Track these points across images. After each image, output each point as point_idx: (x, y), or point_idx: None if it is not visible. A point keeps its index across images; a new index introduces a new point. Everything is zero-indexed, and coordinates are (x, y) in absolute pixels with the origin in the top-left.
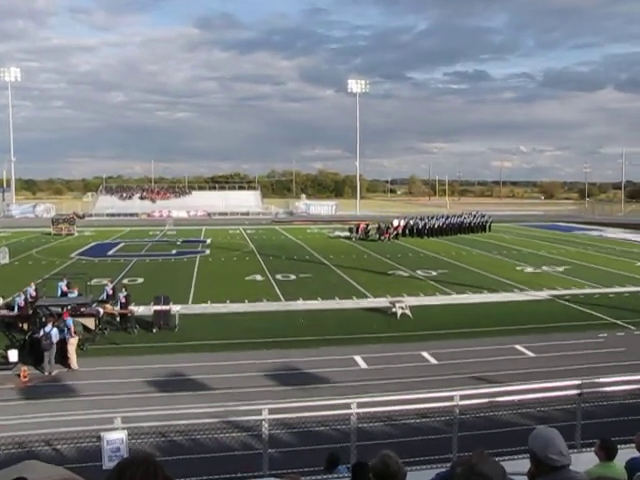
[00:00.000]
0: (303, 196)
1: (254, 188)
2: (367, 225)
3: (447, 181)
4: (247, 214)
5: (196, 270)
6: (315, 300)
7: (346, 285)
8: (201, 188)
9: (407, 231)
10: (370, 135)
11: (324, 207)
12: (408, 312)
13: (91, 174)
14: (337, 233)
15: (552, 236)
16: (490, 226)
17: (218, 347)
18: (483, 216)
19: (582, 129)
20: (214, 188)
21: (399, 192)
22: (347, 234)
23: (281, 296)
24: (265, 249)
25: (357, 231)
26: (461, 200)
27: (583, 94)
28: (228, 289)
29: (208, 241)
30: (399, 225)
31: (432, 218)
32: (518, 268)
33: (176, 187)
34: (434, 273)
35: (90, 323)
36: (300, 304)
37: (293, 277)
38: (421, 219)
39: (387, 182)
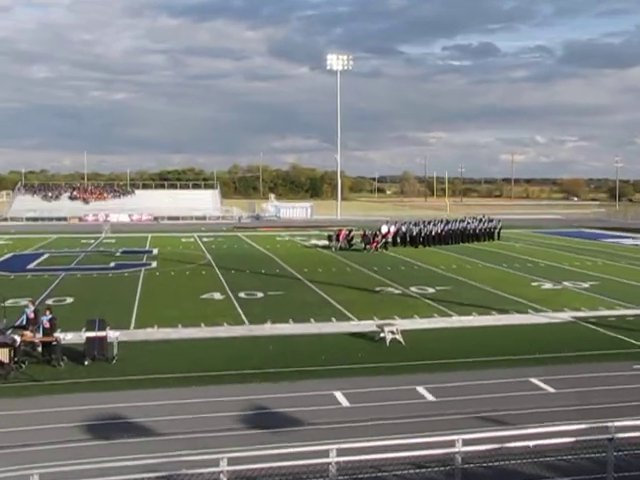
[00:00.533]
0: (272, 196)
1: (212, 187)
2: (350, 232)
3: (447, 178)
4: (203, 218)
5: (140, 287)
6: (286, 323)
7: (324, 305)
8: (146, 186)
9: (399, 239)
10: (354, 122)
11: (297, 210)
12: (400, 338)
13: (6, 168)
14: (313, 242)
15: (575, 245)
16: (499, 233)
17: (167, 382)
18: (491, 221)
19: (612, 114)
20: (162, 186)
21: (389, 192)
22: (325, 243)
23: (245, 318)
24: (226, 261)
25: (338, 239)
26: (464, 201)
27: (613, 71)
28: (180, 310)
29: (155, 251)
30: (389, 232)
31: (429, 223)
32: (534, 284)
33: (115, 185)
34: (431, 290)
35: (3, 355)
36: (268, 328)
37: (260, 295)
38: (416, 224)
39: (374, 180)
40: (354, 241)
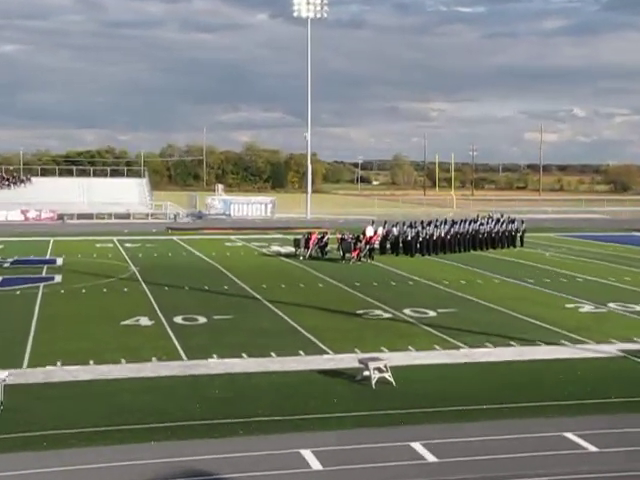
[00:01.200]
0: (220, 188)
1: (138, 174)
2: (324, 236)
3: (454, 165)
4: (127, 217)
5: (37, 310)
6: (238, 358)
7: (289, 333)
8: (47, 173)
9: (389, 245)
10: (330, 89)
11: (254, 206)
12: (389, 377)
13: None
14: (275, 248)
15: (625, 254)
16: (523, 238)
17: (72, 440)
18: (512, 221)
19: None
20: (70, 173)
21: (376, 182)
22: (291, 250)
23: (182, 352)
24: (156, 274)
25: (307, 245)
26: (476, 195)
27: None
28: (92, 342)
29: (59, 261)
30: (376, 235)
31: (429, 225)
32: (569, 306)
33: (3, 171)
34: (432, 313)
35: None
36: (213, 365)
37: (202, 320)
38: (411, 226)
39: (356, 166)
40: (329, 248)
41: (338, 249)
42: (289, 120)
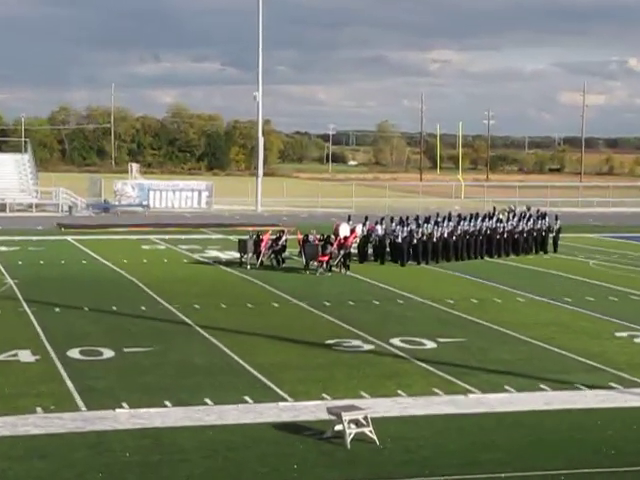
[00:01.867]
0: (135, 168)
1: (18, 148)
2: (279, 236)
3: (461, 138)
4: (1, 209)
5: None
6: (159, 407)
7: (231, 372)
8: None
9: (371, 249)
10: (289, 30)
11: (184, 194)
12: (371, 434)
13: None
14: (213, 253)
15: None
16: (557, 240)
17: None
18: (543, 217)
19: None
20: None
21: (354, 161)
22: (235, 256)
23: (79, 399)
24: (43, 289)
25: (257, 250)
26: (493, 180)
27: None
28: None
29: None
30: (353, 235)
31: (427, 221)
32: (620, 334)
33: None
34: (430, 345)
35: None
36: (124, 417)
37: (109, 354)
38: (402, 223)
39: (327, 139)
40: (287, 253)
41: (300, 255)
42: (231, 74)
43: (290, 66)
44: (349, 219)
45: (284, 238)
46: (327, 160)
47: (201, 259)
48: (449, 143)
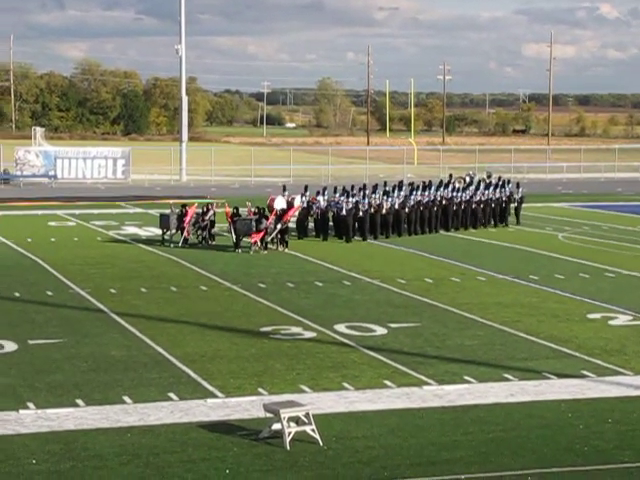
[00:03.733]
0: (39, 133)
1: None
2: (206, 210)
3: (413, 96)
4: None
5: None
6: (70, 407)
7: (153, 364)
8: None
9: (311, 223)
10: None
11: (96, 163)
12: (313, 433)
13: None
14: (131, 230)
15: None
16: (519, 210)
17: None
18: (502, 185)
19: None
20: None
21: (292, 123)
22: (157, 233)
23: None
24: None
25: (181, 225)
26: (450, 143)
27: None
28: None
29: None
30: (293, 209)
31: (374, 191)
32: (593, 316)
33: None
34: (381, 331)
35: None
36: (29, 419)
37: (10, 347)
38: (347, 193)
39: (260, 99)
40: (216, 229)
41: (229, 230)
42: (148, 24)
43: (216, 14)
44: (284, 190)
45: (211, 212)
46: (261, 122)
47: (117, 237)
48: (400, 102)
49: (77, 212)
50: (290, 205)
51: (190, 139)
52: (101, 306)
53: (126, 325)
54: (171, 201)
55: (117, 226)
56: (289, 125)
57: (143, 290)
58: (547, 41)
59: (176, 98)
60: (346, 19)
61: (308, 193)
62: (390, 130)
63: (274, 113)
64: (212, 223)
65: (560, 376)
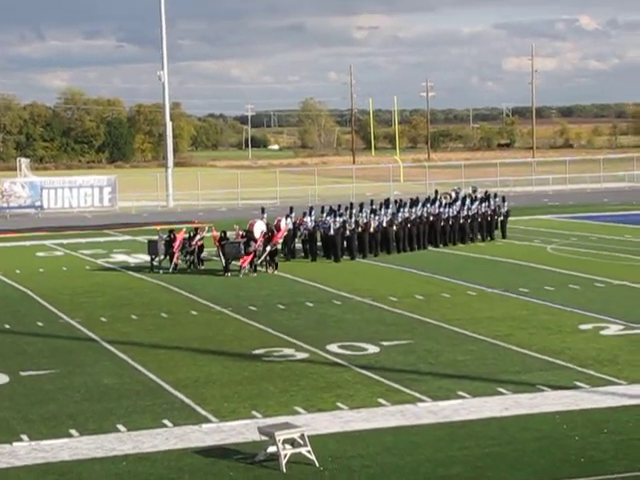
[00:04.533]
0: (24, 163)
1: None
2: (194, 234)
3: (397, 114)
4: None
5: None
6: (65, 438)
7: (147, 392)
8: None
9: (301, 244)
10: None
11: (83, 192)
12: (309, 454)
13: None
14: (119, 258)
15: None
16: (505, 223)
17: None
18: (487, 198)
19: None
20: None
21: (276, 145)
22: (145, 259)
23: None
24: None
25: (171, 251)
26: (436, 159)
27: None
28: None
29: None
30: (279, 231)
31: (362, 209)
32: (585, 327)
33: None
34: (373, 349)
35: None
36: (23, 451)
37: (3, 379)
38: (334, 212)
39: (245, 122)
40: (205, 254)
41: (218, 254)
42: (130, 51)
43: (198, 39)
44: (262, 212)
45: (199, 236)
46: (246, 145)
47: (106, 265)
48: (384, 120)
49: (65, 242)
50: (277, 227)
51: (176, 164)
52: (92, 335)
53: (118, 353)
54: (158, 227)
55: (105, 254)
56: (274, 147)
57: (134, 317)
58: (527, 54)
59: (160, 124)
60: (327, 39)
61: (293, 214)
62: (375, 148)
63: (259, 135)
64: (201, 248)
65: (554, 388)
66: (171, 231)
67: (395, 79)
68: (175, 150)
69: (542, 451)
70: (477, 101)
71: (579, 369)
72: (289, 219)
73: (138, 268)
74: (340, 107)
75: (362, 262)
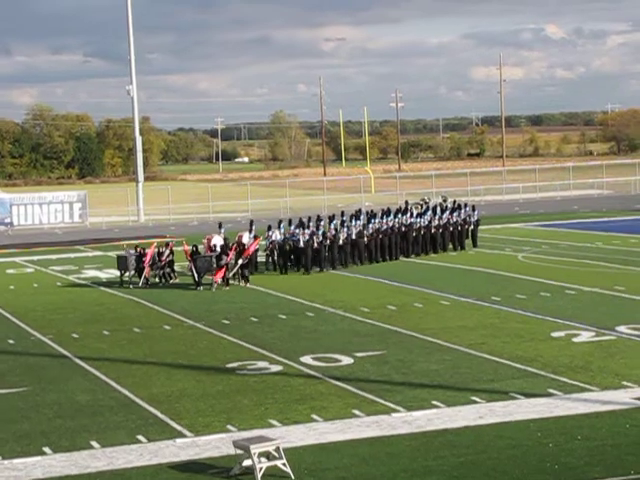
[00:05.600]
0: None
1: None
2: (164, 248)
3: (367, 124)
4: None
5: None
6: (38, 456)
7: (120, 408)
8: None
9: (272, 257)
10: (161, 11)
11: (53, 208)
12: (284, 467)
13: None
14: (91, 273)
15: (638, 248)
16: (476, 233)
17: None
18: (459, 207)
19: None
20: None
21: (247, 158)
22: (116, 274)
23: None
24: None
25: (141, 266)
26: (407, 170)
27: None
28: None
29: None
30: (253, 243)
31: (332, 221)
32: (557, 334)
33: None
34: (347, 360)
35: None
36: None
37: None
38: (303, 224)
39: (214, 135)
40: (178, 268)
41: (190, 269)
42: (97, 66)
43: (165, 53)
44: (220, 227)
45: (168, 252)
46: (217, 159)
47: (78, 281)
48: (354, 131)
49: (35, 258)
50: (249, 241)
51: (146, 179)
52: (64, 352)
53: (90, 369)
54: (124, 243)
55: (77, 270)
56: (244, 160)
57: (106, 333)
58: (495, 64)
59: (130, 139)
60: (294, 52)
61: (254, 228)
62: (346, 160)
63: (229, 149)
64: (171, 262)
65: (527, 396)
66: (136, 247)
67: (364, 90)
68: (145, 164)
69: (517, 459)
70: (446, 111)
71: (552, 376)
72: (250, 234)
73: (110, 283)
74: (310, 119)
75: (335, 273)
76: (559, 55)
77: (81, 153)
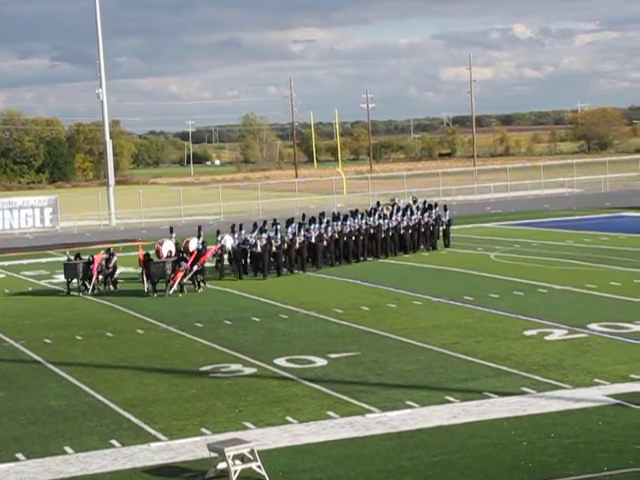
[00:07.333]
0: None
1: None
2: (109, 256)
3: (338, 126)
4: None
5: None
6: (11, 462)
7: (93, 412)
8: None
9: (222, 262)
10: (130, 14)
11: (23, 212)
12: (259, 469)
13: None
14: (62, 278)
15: (609, 245)
16: (448, 232)
17: None
18: (430, 208)
19: None
20: None
21: (218, 161)
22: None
23: None
24: None
25: (88, 274)
26: (379, 170)
27: None
28: None
29: None
30: (209, 250)
31: (289, 225)
32: (529, 333)
33: None
34: (320, 362)
35: None
36: None
37: None
38: (259, 229)
39: (185, 138)
40: (119, 274)
41: (141, 276)
42: (65, 70)
43: (135, 56)
44: (171, 232)
45: (115, 258)
46: (188, 162)
47: (49, 286)
48: (325, 133)
49: (6, 263)
50: (184, 248)
51: (117, 183)
52: (37, 357)
53: (63, 374)
54: (67, 250)
55: (48, 275)
56: (216, 162)
57: (79, 338)
58: (465, 64)
59: (100, 143)
60: (263, 54)
61: (202, 233)
62: (318, 161)
63: (200, 152)
64: (114, 268)
65: (501, 394)
66: (77, 255)
67: (335, 92)
68: (116, 168)
69: (491, 457)
70: (417, 111)
71: (525, 375)
72: (199, 240)
73: (67, 292)
74: (281, 121)
75: (307, 275)
76: (527, 55)
77: (51, 157)
